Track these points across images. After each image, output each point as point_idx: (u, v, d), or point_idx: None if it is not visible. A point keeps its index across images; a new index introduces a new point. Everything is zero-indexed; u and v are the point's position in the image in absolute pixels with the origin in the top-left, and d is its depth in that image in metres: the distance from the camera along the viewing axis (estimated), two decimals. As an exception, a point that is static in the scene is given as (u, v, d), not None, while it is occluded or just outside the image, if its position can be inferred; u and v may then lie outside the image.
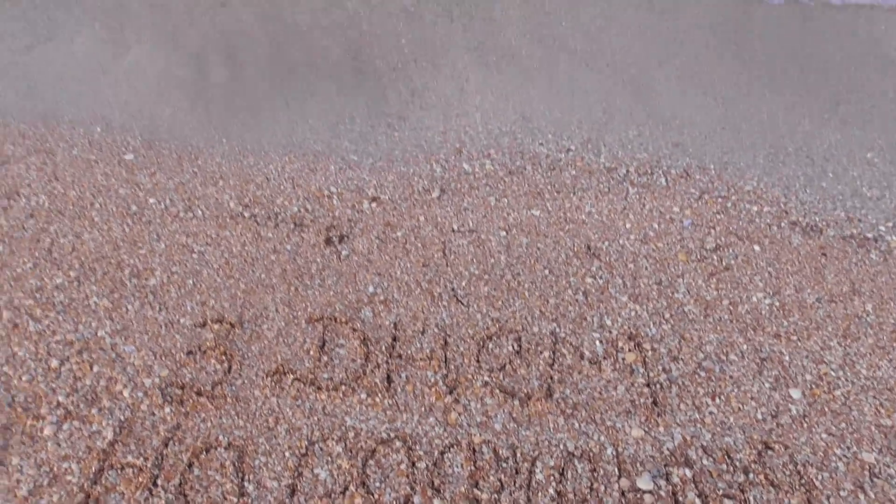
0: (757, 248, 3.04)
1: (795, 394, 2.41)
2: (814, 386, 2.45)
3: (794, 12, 5.51)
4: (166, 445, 2.22)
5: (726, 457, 2.27)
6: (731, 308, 2.72)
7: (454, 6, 5.57)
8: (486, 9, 5.54)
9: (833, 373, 2.49)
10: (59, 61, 4.50)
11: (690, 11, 5.64)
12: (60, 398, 2.29)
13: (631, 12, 5.54)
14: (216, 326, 2.57)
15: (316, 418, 2.33)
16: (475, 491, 2.15)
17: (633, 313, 2.69)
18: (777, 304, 2.75)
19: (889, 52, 4.92)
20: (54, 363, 2.39)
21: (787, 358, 2.54)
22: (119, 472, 2.15)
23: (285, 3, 5.48)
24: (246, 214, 3.15)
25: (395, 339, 2.59)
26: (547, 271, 2.88)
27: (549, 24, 5.30)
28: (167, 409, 2.30)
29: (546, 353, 2.55)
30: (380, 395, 2.39)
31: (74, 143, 3.65)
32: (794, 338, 2.62)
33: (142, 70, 4.44)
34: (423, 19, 5.32)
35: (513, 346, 2.58)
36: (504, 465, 2.23)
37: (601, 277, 2.85)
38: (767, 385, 2.44)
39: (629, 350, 2.56)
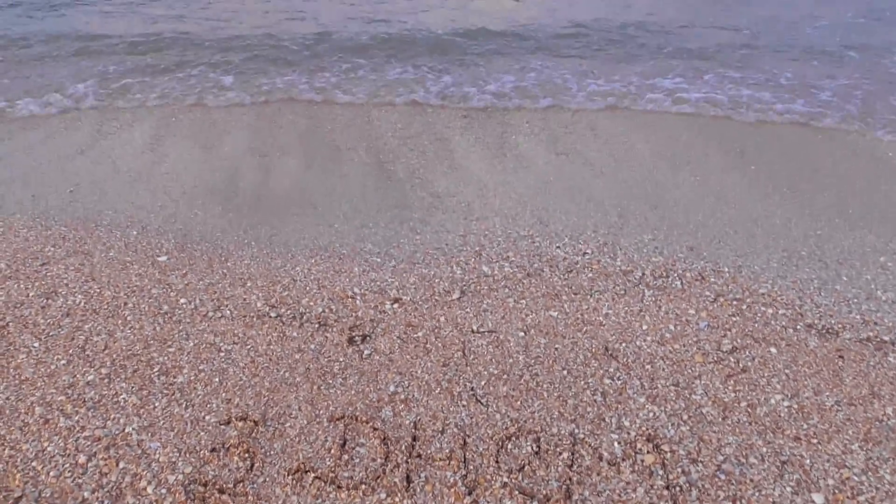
0: (774, 350, 3.06)
1: (818, 499, 2.38)
2: (836, 491, 2.41)
3: (803, 128, 5.73)
4: (186, 544, 2.22)
5: (751, 564, 2.22)
6: (750, 410, 2.73)
7: (474, 117, 5.88)
8: (505, 120, 5.83)
9: (856, 478, 2.46)
10: (102, 168, 4.78)
11: (702, 122, 5.89)
12: (86, 494, 2.33)
13: (643, 127, 5.80)
14: (240, 424, 2.62)
15: (335, 518, 2.33)
16: None
17: (651, 415, 2.70)
18: (796, 406, 2.75)
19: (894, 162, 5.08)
20: (82, 459, 2.44)
21: (808, 462, 2.52)
22: (139, 571, 2.14)
23: (320, 117, 5.81)
24: (272, 314, 3.25)
25: (414, 438, 2.61)
26: (565, 372, 2.91)
27: (566, 135, 5.55)
28: (189, 507, 2.32)
29: (565, 455, 2.55)
30: (399, 494, 2.40)
31: (112, 245, 3.83)
32: (815, 441, 2.60)
33: (177, 177, 4.69)
34: (445, 130, 5.60)
35: (532, 447, 2.59)
36: (524, 569, 2.19)
37: (619, 378, 2.88)
38: (789, 489, 2.42)
39: (648, 452, 2.56)
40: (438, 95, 6.42)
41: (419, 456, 2.55)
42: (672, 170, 4.92)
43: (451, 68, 7.14)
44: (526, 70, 7.13)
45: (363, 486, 2.43)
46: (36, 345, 2.97)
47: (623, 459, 2.54)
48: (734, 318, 3.28)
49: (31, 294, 3.32)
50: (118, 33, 8.08)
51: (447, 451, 2.56)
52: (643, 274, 3.65)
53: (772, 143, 5.54)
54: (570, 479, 2.47)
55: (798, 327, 3.23)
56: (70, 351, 2.94)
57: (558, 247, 3.91)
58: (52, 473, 2.38)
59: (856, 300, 3.46)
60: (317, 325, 3.18)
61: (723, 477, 2.46)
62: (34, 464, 2.41)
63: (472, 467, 2.50)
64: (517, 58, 7.59)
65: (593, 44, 7.94)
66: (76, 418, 2.60)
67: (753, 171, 4.94)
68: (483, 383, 2.85)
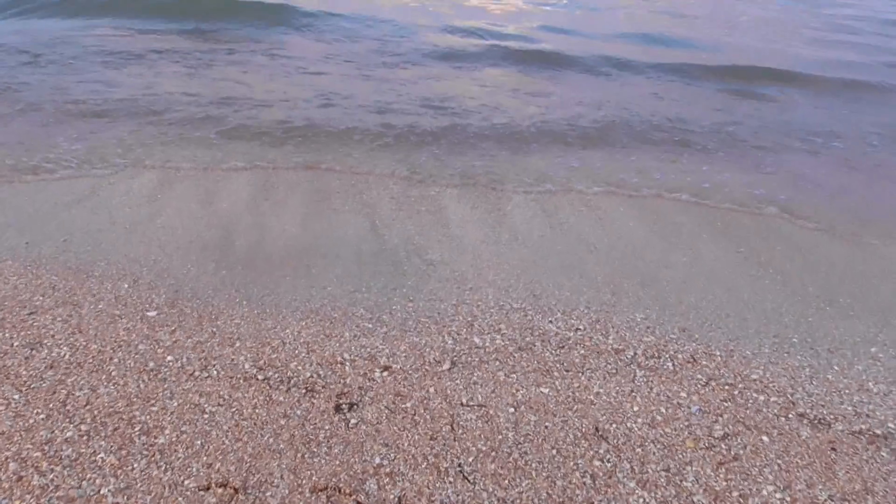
0: (766, 438, 3.03)
1: None
2: (830, 591, 2.35)
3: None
4: None
5: None
6: (742, 500, 2.68)
7: (469, 189, 5.95)
8: (501, 194, 5.91)
9: (850, 577, 2.40)
10: (98, 218, 4.78)
11: (695, 211, 5.99)
12: (53, 559, 2.23)
13: (636, 214, 5.88)
14: (220, 491, 2.54)
15: None
16: None
17: (641, 500, 2.65)
18: (788, 498, 2.70)
19: (887, 253, 5.15)
20: (52, 521, 2.36)
21: (801, 558, 2.46)
22: None
23: (319, 180, 5.87)
24: (260, 377, 3.20)
25: (398, 514, 2.54)
26: (555, 451, 2.87)
27: (560, 213, 5.62)
28: (160, 578, 2.22)
29: (552, 539, 2.48)
30: (380, 574, 2.31)
31: (101, 297, 3.79)
32: (808, 536, 2.55)
33: (173, 231, 4.69)
34: (440, 201, 5.66)
35: (518, 529, 2.52)
36: None
37: (609, 461, 2.83)
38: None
39: (638, 540, 2.50)
40: (435, 168, 6.52)
41: (402, 533, 2.48)
42: (665, 251, 4.97)
43: (452, 148, 7.27)
44: (525, 152, 7.27)
45: (343, 564, 2.35)
46: (16, 397, 2.90)
47: (612, 547, 2.47)
48: (726, 404, 3.26)
49: (15, 344, 3.26)
50: (124, 96, 8.21)
51: (432, 529, 2.49)
52: (635, 353, 3.64)
53: (760, 228, 5.62)
54: (556, 566, 2.39)
55: (790, 416, 3.21)
56: (50, 405, 2.87)
57: (550, 321, 3.90)
58: (20, 535, 2.30)
59: (847, 391, 3.45)
60: (304, 391, 3.13)
61: (714, 571, 2.40)
62: (2, 524, 2.32)
63: (456, 548, 2.43)
64: (517, 143, 7.74)
65: (590, 131, 8.14)
66: (51, 476, 2.51)
67: (743, 254, 4.99)
68: (471, 459, 2.79)
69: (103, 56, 9.75)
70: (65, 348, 3.26)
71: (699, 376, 3.47)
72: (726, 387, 3.39)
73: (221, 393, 3.06)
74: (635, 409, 3.17)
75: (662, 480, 2.75)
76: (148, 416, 2.87)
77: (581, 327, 3.86)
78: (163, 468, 2.62)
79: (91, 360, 3.19)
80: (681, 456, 2.89)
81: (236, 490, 2.56)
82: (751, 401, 3.30)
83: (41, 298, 3.71)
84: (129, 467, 2.60)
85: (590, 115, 8.69)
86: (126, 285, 3.97)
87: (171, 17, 12.77)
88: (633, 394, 3.28)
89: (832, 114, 9.89)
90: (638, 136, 8.04)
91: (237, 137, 6.79)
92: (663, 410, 3.17)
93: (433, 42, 12.60)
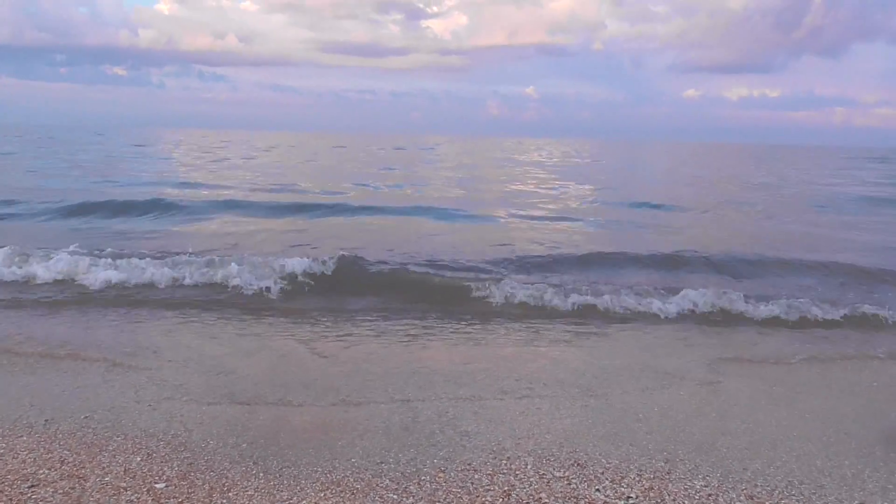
0: None
1: None
2: None
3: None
4: None
5: None
6: None
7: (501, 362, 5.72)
8: (543, 353, 5.66)
9: None
10: (123, 397, 4.66)
11: (755, 372, 5.63)
12: None
13: (685, 382, 5.57)
14: None
15: None
16: None
17: None
18: None
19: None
20: None
21: None
22: None
23: (333, 352, 5.74)
24: (267, 550, 2.84)
25: None
26: None
27: (610, 381, 5.33)
28: None
29: None
30: None
31: (110, 470, 3.55)
32: None
33: (196, 407, 4.52)
34: (474, 375, 5.44)
35: None
36: None
37: None
38: None
39: None
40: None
41: None
42: (720, 418, 4.56)
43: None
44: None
45: None
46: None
47: None
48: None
49: (7, 516, 3.00)
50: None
51: None
52: (697, 523, 3.17)
53: (821, 382, 5.19)
54: None
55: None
56: (30, 581, 2.55)
57: (597, 489, 3.48)
58: None
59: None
60: (316, 565, 2.75)
61: None
62: None
63: None
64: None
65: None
66: None
67: (809, 416, 4.54)
68: None
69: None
70: (59, 521, 2.98)
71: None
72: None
73: (222, 568, 2.70)
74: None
75: None
76: None
77: (633, 496, 3.43)
78: None
79: (85, 534, 2.89)
80: None
81: None
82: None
83: (46, 472, 3.48)
84: None
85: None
86: (139, 458, 3.73)
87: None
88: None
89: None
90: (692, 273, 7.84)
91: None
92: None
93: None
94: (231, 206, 16.37)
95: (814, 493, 3.52)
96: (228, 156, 42.11)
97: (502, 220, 16.08)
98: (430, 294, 8.20)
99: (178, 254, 9.29)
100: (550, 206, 18.95)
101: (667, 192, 24.36)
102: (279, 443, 4.03)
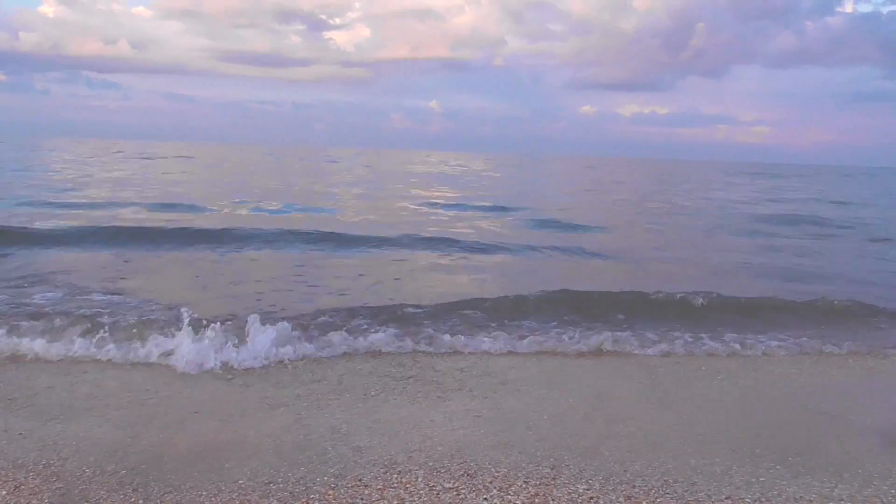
0: None
1: None
2: None
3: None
4: None
5: None
6: None
7: (404, 365, 5.72)
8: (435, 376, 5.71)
9: None
10: (-12, 426, 4.35)
11: (620, 370, 5.89)
12: None
13: (573, 378, 5.77)
14: None
15: None
16: None
17: None
18: None
19: (826, 405, 5.06)
20: None
21: None
22: None
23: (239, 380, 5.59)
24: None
25: None
26: None
27: (494, 390, 5.43)
28: None
29: None
30: None
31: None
32: None
33: (72, 434, 4.29)
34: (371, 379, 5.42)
35: None
36: None
37: None
38: None
39: None
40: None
41: None
42: (606, 423, 4.75)
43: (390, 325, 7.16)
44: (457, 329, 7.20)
45: None
46: None
47: None
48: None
49: None
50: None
51: None
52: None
53: (704, 389, 5.51)
54: None
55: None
56: None
57: (485, 499, 3.55)
58: None
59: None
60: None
61: None
62: None
63: None
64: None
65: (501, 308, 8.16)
66: None
67: (687, 418, 4.81)
68: None
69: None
70: None
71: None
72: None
73: None
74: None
75: None
76: None
77: (518, 502, 3.52)
78: None
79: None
80: None
81: None
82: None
83: None
84: None
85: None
86: (4, 492, 3.49)
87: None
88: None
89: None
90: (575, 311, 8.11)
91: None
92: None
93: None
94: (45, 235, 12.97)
95: (686, 491, 3.73)
96: (92, 169, 38.02)
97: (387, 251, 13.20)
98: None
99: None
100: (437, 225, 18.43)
101: (573, 211, 22.98)
102: (162, 468, 3.88)
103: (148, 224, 15.19)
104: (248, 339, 6.21)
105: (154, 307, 7.71)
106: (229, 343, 6.08)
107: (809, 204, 30.62)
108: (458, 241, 14.16)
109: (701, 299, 8.70)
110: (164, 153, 70.88)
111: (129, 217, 16.72)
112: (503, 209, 22.53)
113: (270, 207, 20.86)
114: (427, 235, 14.98)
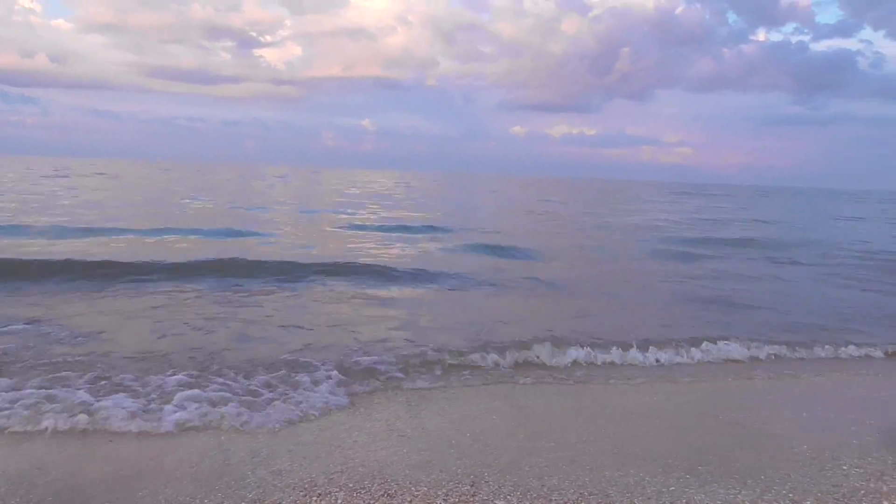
0: None
1: None
2: None
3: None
4: None
5: None
6: None
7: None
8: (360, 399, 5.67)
9: None
10: None
11: (550, 389, 6.00)
12: None
13: (500, 398, 5.85)
14: None
15: None
16: None
17: None
18: None
19: (739, 417, 5.27)
20: None
21: None
22: None
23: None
24: None
25: None
26: None
27: (421, 408, 5.44)
28: None
29: None
30: None
31: None
32: None
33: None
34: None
35: None
36: None
37: None
38: None
39: None
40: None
41: None
42: (528, 439, 4.84)
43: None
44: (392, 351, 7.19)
45: None
46: None
47: None
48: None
49: None
50: None
51: None
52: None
53: (623, 404, 5.66)
54: None
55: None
56: None
57: (404, 517, 3.57)
58: None
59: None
60: None
61: None
62: None
63: None
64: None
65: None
66: None
67: (605, 431, 4.95)
68: None
69: None
70: None
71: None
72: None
73: None
74: None
75: None
76: None
77: (437, 521, 3.55)
78: None
79: None
80: None
81: None
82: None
83: None
84: None
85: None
86: None
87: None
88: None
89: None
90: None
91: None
92: None
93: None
94: None
95: (600, 502, 3.84)
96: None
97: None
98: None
99: None
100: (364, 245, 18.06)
101: (511, 235, 21.54)
102: (73, 499, 3.75)
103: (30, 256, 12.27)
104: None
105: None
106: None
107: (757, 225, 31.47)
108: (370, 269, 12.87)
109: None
110: (83, 171, 67.96)
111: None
112: (432, 229, 22.33)
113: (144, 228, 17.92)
114: (343, 261, 13.54)
